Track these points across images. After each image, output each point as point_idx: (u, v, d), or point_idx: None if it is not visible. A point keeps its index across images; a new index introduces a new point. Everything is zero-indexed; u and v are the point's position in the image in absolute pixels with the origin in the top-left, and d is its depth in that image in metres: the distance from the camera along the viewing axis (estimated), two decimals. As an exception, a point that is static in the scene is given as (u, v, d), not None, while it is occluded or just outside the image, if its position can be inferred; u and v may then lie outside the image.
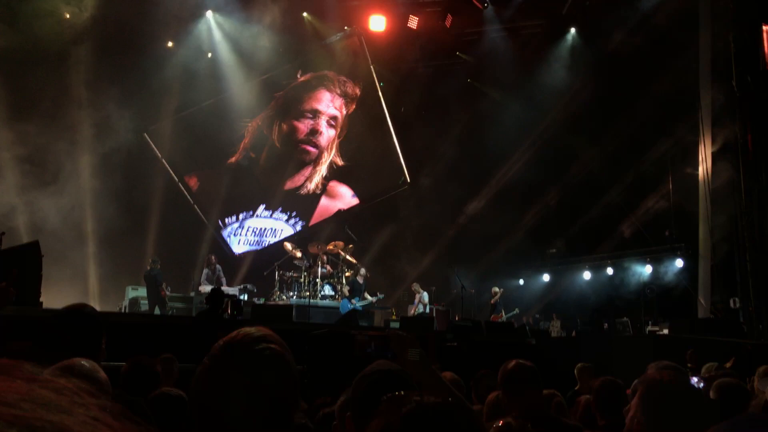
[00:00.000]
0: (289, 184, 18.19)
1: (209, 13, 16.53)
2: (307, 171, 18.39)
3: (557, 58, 17.39)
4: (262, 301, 14.49)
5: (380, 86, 18.70)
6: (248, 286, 15.24)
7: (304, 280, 14.84)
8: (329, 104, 18.41)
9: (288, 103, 18.12)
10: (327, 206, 18.68)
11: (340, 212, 18.38)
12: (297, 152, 18.25)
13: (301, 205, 18.29)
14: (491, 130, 17.39)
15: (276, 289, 14.94)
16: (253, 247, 17.65)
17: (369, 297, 15.05)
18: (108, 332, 2.82)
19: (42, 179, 13.88)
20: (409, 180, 19.07)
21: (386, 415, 1.16)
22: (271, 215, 17.95)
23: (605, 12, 15.76)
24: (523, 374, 3.30)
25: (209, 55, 16.96)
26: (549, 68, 17.23)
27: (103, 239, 14.61)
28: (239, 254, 17.39)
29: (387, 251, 16.70)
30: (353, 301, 14.75)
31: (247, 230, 17.77)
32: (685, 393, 2.27)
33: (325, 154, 18.42)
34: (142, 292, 14.37)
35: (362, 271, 15.20)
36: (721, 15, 15.13)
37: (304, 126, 18.21)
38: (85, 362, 2.20)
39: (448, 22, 16.63)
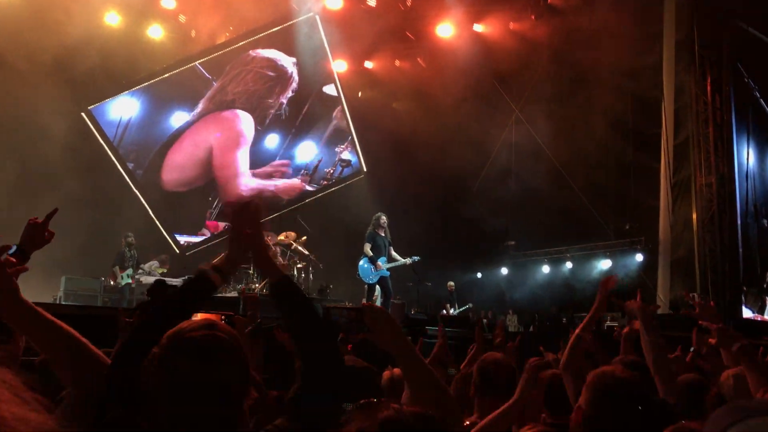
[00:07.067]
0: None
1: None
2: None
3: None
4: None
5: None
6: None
7: (254, 271, 14.12)
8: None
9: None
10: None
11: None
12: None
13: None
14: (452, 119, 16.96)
15: (223, 280, 14.18)
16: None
17: (399, 258, 11.95)
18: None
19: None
20: (365, 169, 18.47)
21: (360, 420, 1.20)
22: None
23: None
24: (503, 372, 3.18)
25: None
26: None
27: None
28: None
29: (342, 242, 15.99)
30: (379, 263, 11.56)
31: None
32: (633, 389, 2.21)
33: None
34: (77, 283, 13.59)
35: (382, 219, 11.75)
36: (683, 10, 14.89)
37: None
38: None
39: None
